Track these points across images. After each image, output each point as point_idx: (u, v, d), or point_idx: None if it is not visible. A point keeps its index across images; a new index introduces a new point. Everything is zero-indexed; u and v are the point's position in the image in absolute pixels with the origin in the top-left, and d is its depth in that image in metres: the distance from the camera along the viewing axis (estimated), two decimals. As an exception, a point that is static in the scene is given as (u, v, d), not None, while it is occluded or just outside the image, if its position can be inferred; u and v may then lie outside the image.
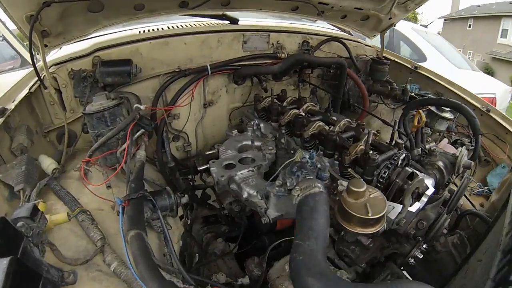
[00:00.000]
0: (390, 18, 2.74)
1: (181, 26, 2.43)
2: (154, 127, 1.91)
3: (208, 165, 1.90)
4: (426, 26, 9.26)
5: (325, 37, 2.84)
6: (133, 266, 1.08)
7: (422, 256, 1.60)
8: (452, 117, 2.47)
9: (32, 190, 1.38)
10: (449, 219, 1.59)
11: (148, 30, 2.33)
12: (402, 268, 1.73)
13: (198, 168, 2.02)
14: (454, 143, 2.55)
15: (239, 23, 2.51)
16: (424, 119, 1.73)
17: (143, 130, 1.75)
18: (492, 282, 1.23)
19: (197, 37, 2.28)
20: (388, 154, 1.61)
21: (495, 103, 5.11)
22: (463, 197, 2.25)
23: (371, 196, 1.26)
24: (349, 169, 1.53)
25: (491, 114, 2.58)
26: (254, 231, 2.24)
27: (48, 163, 1.56)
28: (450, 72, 5.20)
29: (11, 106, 1.62)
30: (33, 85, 1.84)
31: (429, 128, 2.50)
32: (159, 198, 1.53)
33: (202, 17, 2.45)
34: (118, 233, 1.32)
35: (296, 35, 2.70)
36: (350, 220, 1.23)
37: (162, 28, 2.37)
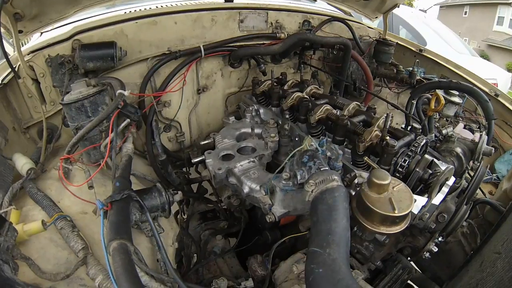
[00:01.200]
0: None
1: (171, 4, 2.25)
2: (141, 115, 1.73)
3: (203, 157, 1.75)
4: (425, 11, 9.26)
5: (327, 17, 2.67)
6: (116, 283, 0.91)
7: (437, 249, 1.48)
8: (461, 101, 2.42)
9: (4, 195, 1.21)
10: (468, 210, 1.47)
11: (135, 11, 2.13)
12: (409, 259, 1.64)
13: (192, 161, 1.87)
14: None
15: (235, 0, 2.35)
16: (443, 101, 1.56)
17: (129, 119, 1.56)
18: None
19: (188, 16, 2.09)
20: (406, 140, 1.47)
21: None
22: None
23: (395, 189, 1.10)
24: (365, 158, 1.35)
25: (499, 99, 2.51)
26: (255, 225, 2.12)
27: (22, 163, 1.40)
28: (451, 57, 5.20)
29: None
30: (6, 76, 1.68)
31: (437, 113, 2.44)
32: (148, 197, 1.36)
33: (194, -6, 2.28)
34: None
35: (296, 14, 2.53)
36: (372, 218, 1.08)
37: (150, 8, 2.17)
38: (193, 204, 2.37)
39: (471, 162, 1.92)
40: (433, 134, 2.00)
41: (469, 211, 1.50)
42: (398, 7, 2.89)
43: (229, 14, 2.22)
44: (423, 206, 1.26)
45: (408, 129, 1.79)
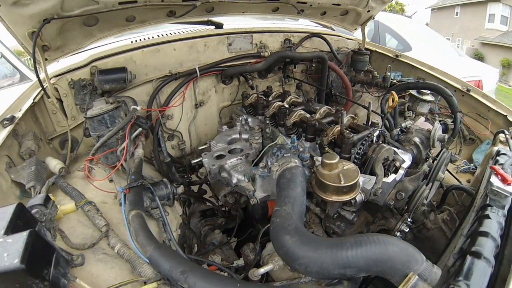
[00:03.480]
0: (368, 11, 2.89)
1: (170, 33, 2.60)
2: (149, 126, 2.06)
3: (201, 158, 2.05)
4: (410, 17, 9.45)
5: (306, 34, 3.00)
6: (133, 239, 1.23)
7: (408, 230, 1.66)
8: (433, 99, 2.58)
9: (41, 187, 1.52)
10: (428, 190, 1.66)
11: (140, 39, 2.49)
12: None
13: (191, 161, 2.16)
14: None
15: (223, 27, 2.68)
16: (396, 99, 1.87)
17: (140, 129, 1.90)
18: (464, 237, 1.37)
19: (185, 43, 2.45)
20: (364, 133, 1.76)
21: (481, 86, 5.24)
22: (450, 175, 2.37)
23: (344, 168, 1.41)
24: (327, 149, 1.67)
25: (471, 93, 2.68)
26: (249, 221, 2.36)
27: (54, 164, 1.70)
28: (435, 59, 5.31)
29: (19, 114, 1.77)
30: (36, 95, 1.99)
31: (411, 112, 2.64)
32: (157, 188, 1.68)
33: (189, 24, 2.63)
34: (120, 222, 1.48)
35: (278, 34, 2.87)
36: (325, 190, 1.38)
37: (153, 37, 2.53)
38: (194, 204, 2.62)
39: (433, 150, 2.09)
40: (399, 128, 2.17)
41: (429, 191, 1.65)
42: (373, 18, 3.12)
43: (219, 39, 2.56)
44: (375, 183, 1.54)
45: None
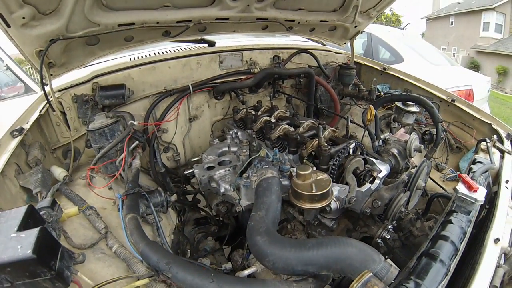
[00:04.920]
0: (356, 26, 3.02)
1: (166, 51, 2.78)
2: (146, 139, 2.22)
3: (193, 169, 2.20)
4: (402, 29, 9.60)
5: (294, 50, 3.17)
6: (129, 238, 1.38)
7: (390, 237, 1.79)
8: (418, 110, 2.67)
9: (47, 192, 1.67)
10: (406, 198, 1.75)
11: (138, 57, 2.66)
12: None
13: (184, 172, 2.30)
14: (424, 134, 2.74)
15: (216, 45, 2.85)
16: (373, 112, 2.04)
17: (137, 142, 2.06)
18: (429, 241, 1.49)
19: (179, 61, 2.62)
20: (341, 146, 1.90)
21: (472, 95, 5.33)
22: (435, 183, 2.48)
23: (317, 178, 1.57)
24: (305, 160, 1.84)
25: (456, 103, 2.78)
26: (241, 229, 2.44)
27: (59, 172, 1.86)
28: (426, 70, 5.52)
29: (27, 126, 1.93)
30: (42, 108, 2.14)
31: (397, 123, 2.74)
32: (152, 196, 1.83)
33: (183, 42, 2.79)
34: (118, 226, 1.62)
35: (267, 51, 3.04)
36: (299, 198, 1.54)
37: (150, 55, 2.70)
38: (188, 213, 2.70)
39: (412, 159, 2.18)
40: (380, 140, 2.31)
41: (406, 198, 1.72)
42: (361, 33, 3.24)
43: (211, 58, 2.73)
44: (349, 192, 1.68)
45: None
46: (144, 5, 1.98)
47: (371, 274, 1.10)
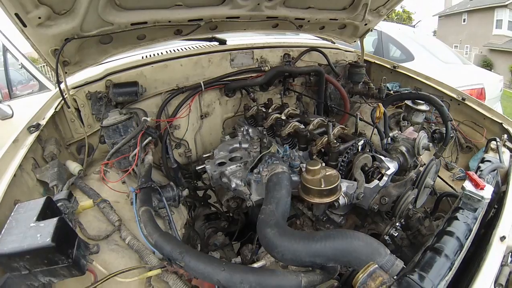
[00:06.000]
0: (365, 24, 3.00)
1: (177, 49, 2.82)
2: (158, 135, 2.26)
3: (204, 165, 2.25)
4: (413, 26, 9.44)
5: (304, 48, 3.19)
6: (142, 230, 1.43)
7: (397, 234, 1.79)
8: (427, 108, 2.64)
9: (63, 185, 1.73)
10: (413, 196, 1.74)
11: (150, 55, 2.71)
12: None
13: (196, 168, 2.35)
14: (433, 133, 2.71)
15: (227, 43, 2.88)
16: (382, 110, 2.05)
17: (150, 138, 2.10)
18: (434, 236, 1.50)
19: (191, 59, 2.66)
20: (350, 143, 1.91)
21: (484, 94, 5.24)
22: (444, 183, 2.46)
23: (326, 173, 1.59)
24: (314, 157, 1.86)
25: (467, 102, 2.75)
26: (250, 225, 2.50)
27: (74, 166, 1.92)
28: (438, 68, 5.41)
29: (43, 122, 1.99)
30: (57, 105, 2.20)
31: (407, 121, 2.73)
32: (164, 190, 1.87)
33: (194, 40, 2.82)
34: (131, 219, 1.68)
35: (277, 49, 3.06)
36: (308, 193, 1.57)
37: (162, 53, 2.75)
38: (199, 208, 2.77)
39: (421, 158, 2.17)
40: (389, 137, 2.25)
41: (414, 196, 1.72)
42: (371, 31, 3.19)
43: (222, 55, 2.76)
44: (357, 188, 1.70)
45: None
46: (156, 4, 2.01)
47: (377, 266, 1.12)
